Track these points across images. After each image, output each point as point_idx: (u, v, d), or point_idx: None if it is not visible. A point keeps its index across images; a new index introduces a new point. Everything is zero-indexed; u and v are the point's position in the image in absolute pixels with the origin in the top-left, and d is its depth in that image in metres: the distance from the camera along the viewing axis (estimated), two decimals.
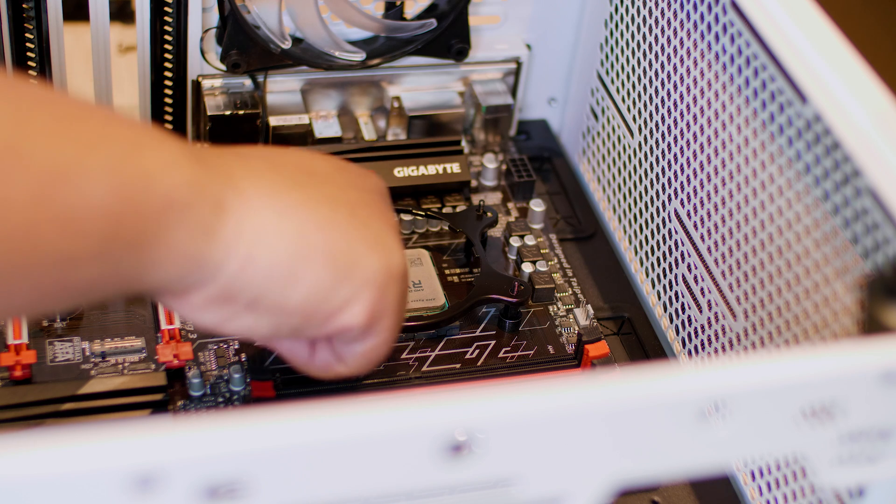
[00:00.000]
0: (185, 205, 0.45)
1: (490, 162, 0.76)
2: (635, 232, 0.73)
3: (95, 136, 0.44)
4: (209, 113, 0.72)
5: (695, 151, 0.65)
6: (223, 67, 0.71)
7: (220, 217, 0.47)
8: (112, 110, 0.47)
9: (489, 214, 0.70)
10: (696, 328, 0.66)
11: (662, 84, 0.67)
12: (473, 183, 0.76)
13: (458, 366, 0.64)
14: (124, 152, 0.44)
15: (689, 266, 0.67)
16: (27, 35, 0.68)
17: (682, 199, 0.67)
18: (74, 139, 0.43)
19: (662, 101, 0.68)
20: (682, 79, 0.65)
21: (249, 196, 0.48)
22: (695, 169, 0.65)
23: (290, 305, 0.50)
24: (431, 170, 0.73)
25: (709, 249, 0.64)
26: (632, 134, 0.72)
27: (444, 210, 0.73)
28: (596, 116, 0.77)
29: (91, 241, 0.43)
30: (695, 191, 0.65)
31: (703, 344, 0.66)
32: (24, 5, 0.67)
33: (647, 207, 0.71)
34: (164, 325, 0.63)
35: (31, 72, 0.70)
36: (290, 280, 0.49)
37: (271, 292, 0.49)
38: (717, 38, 0.61)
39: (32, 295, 0.43)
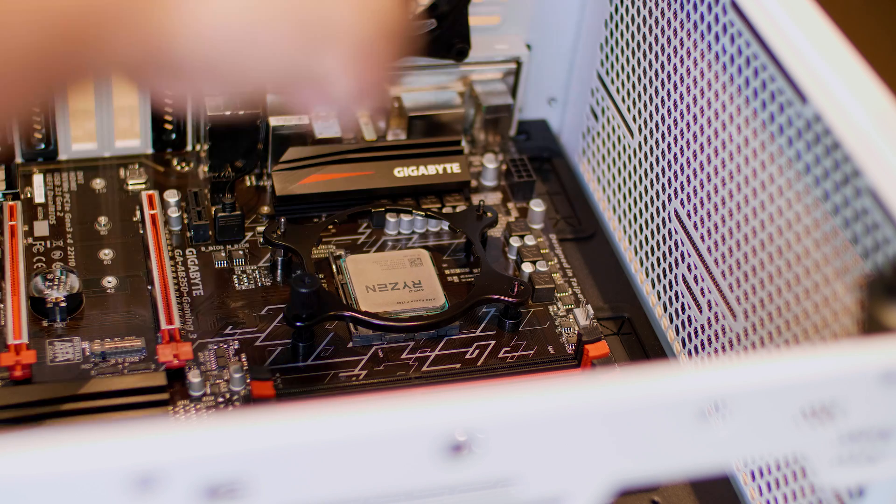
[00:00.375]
0: None
1: (490, 162, 0.76)
2: (635, 232, 0.73)
3: None
4: (209, 113, 0.72)
5: (695, 151, 0.65)
6: None
7: None
8: None
9: (489, 214, 0.70)
10: (696, 328, 0.66)
11: (662, 84, 0.67)
12: (473, 183, 0.76)
13: (458, 366, 0.64)
14: None
15: (689, 266, 0.67)
16: None
17: (682, 199, 0.67)
18: None
19: (662, 101, 0.68)
20: (682, 79, 0.65)
21: None
22: (695, 169, 0.65)
23: (252, 73, 0.47)
24: (431, 170, 0.73)
25: (709, 249, 0.64)
26: (632, 134, 0.72)
27: (444, 210, 0.73)
28: (596, 116, 0.77)
29: (36, 35, 0.42)
30: (695, 191, 0.65)
31: (703, 344, 0.66)
32: None
33: (647, 207, 0.71)
34: (164, 325, 0.63)
35: None
36: (248, 46, 0.45)
37: (230, 62, 0.46)
38: (717, 38, 0.61)
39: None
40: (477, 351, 0.65)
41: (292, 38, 0.46)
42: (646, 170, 0.71)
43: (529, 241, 0.72)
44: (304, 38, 0.46)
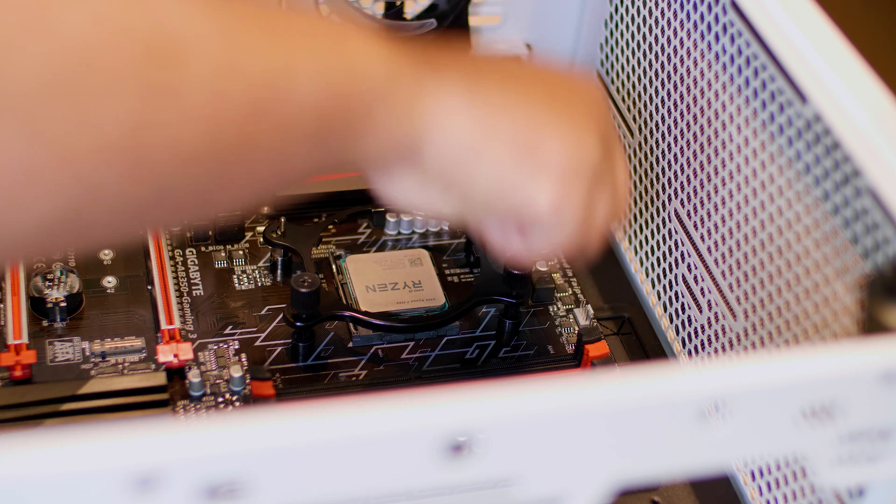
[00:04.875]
0: (386, 94, 0.47)
1: None
2: (635, 232, 0.73)
3: (301, 41, 0.46)
4: None
5: (695, 151, 0.65)
6: None
7: (419, 102, 0.49)
8: (309, 12, 0.49)
9: None
10: (696, 328, 0.66)
11: (662, 84, 0.67)
12: None
13: (458, 366, 0.64)
14: (329, 53, 0.46)
15: (689, 266, 0.66)
16: None
17: (682, 199, 0.67)
18: (283, 48, 0.44)
19: (662, 101, 0.68)
20: (682, 79, 0.65)
21: (447, 80, 0.50)
22: (695, 169, 0.65)
23: (474, 186, 0.51)
24: None
25: (709, 249, 0.64)
26: (632, 134, 0.72)
27: None
28: None
29: (303, 137, 0.45)
30: (695, 191, 0.65)
31: (703, 344, 0.66)
32: None
33: (647, 207, 0.71)
34: (164, 325, 0.63)
35: None
36: (474, 160, 0.50)
37: (458, 172, 0.50)
38: (717, 38, 0.61)
39: (251, 187, 0.46)
40: (477, 351, 0.65)
41: (509, 160, 0.51)
42: (646, 170, 0.71)
43: None
44: (518, 161, 0.51)
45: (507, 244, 0.55)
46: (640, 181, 0.72)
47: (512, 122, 0.51)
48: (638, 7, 0.70)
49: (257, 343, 0.64)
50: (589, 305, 0.68)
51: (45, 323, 0.64)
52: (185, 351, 0.62)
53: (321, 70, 0.45)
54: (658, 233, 0.70)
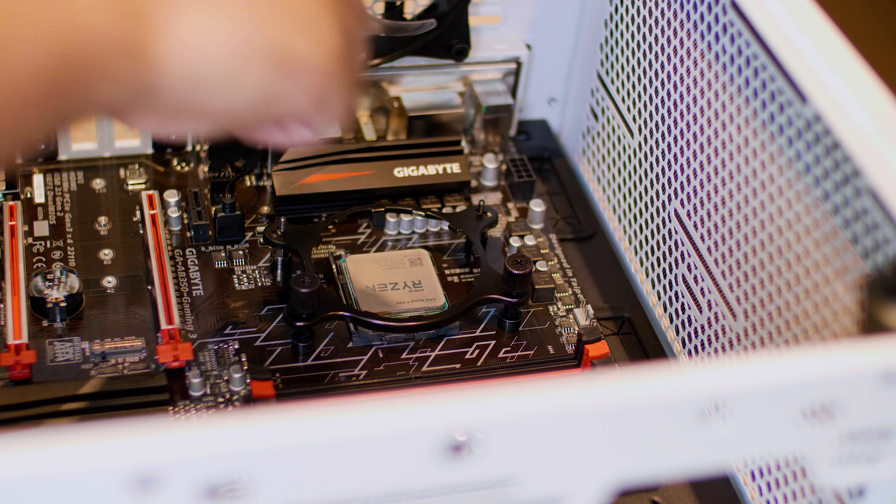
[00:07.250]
0: (119, 38, 0.46)
1: (490, 162, 0.76)
2: (635, 232, 0.73)
3: (19, 10, 0.44)
4: None
5: (695, 151, 0.65)
6: None
7: (150, 36, 0.47)
8: None
9: (489, 214, 0.70)
10: (696, 328, 0.66)
11: (662, 84, 0.67)
12: (473, 183, 0.76)
13: (458, 366, 0.64)
14: (51, 15, 0.44)
15: (689, 266, 0.67)
16: None
17: (682, 199, 0.67)
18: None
19: (662, 101, 0.68)
20: (682, 79, 0.65)
21: (175, 4, 0.48)
22: (695, 169, 0.65)
23: (235, 107, 0.50)
24: (431, 170, 0.73)
25: (709, 249, 0.64)
26: (632, 134, 0.72)
27: (444, 210, 0.73)
28: (596, 116, 0.77)
29: (34, 103, 0.44)
30: (695, 191, 0.65)
31: (703, 344, 0.66)
32: None
33: (647, 207, 0.71)
34: (164, 325, 0.63)
35: None
36: (230, 83, 0.49)
37: (209, 97, 0.49)
38: (717, 38, 0.61)
39: None
40: (477, 351, 0.65)
41: (264, 74, 0.49)
42: (646, 170, 0.71)
43: (529, 241, 0.72)
44: (274, 71, 0.49)
45: (270, 139, 0.55)
46: (640, 181, 0.72)
47: (262, 37, 0.49)
48: (638, 7, 0.70)
49: (257, 343, 0.64)
50: (589, 305, 0.68)
51: (45, 323, 0.64)
52: (185, 351, 0.62)
53: (44, 36, 0.44)
54: (658, 233, 0.70)
